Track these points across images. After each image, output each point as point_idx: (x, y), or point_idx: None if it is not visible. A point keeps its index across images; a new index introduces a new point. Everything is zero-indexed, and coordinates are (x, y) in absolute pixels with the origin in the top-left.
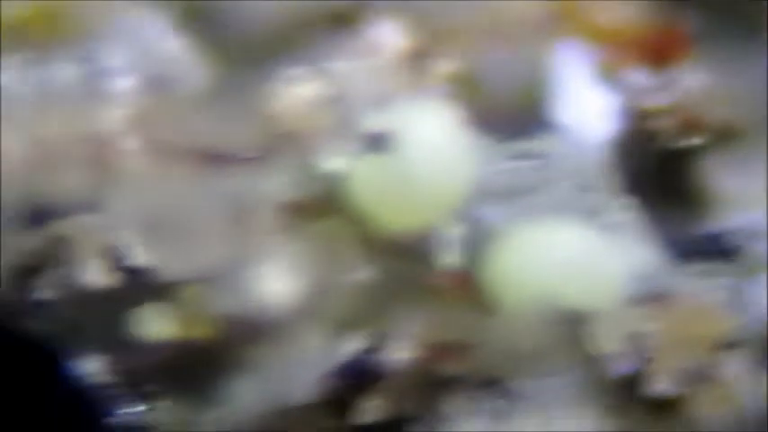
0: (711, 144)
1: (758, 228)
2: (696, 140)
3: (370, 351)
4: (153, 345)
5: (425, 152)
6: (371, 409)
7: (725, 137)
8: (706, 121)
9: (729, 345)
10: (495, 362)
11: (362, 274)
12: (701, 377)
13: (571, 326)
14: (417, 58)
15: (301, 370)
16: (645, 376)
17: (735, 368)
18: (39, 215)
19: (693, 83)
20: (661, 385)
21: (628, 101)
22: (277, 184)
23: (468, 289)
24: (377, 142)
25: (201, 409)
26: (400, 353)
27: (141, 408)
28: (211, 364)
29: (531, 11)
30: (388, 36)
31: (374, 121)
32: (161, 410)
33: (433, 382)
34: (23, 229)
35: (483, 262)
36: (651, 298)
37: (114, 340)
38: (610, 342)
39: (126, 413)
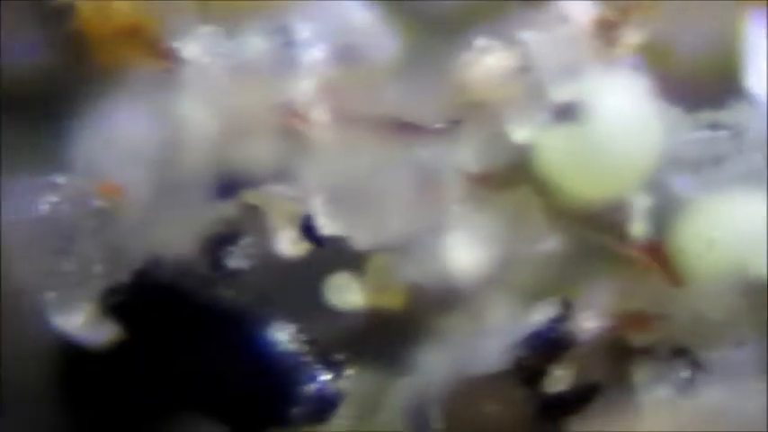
0: None
1: None
2: None
3: (558, 320)
4: (343, 314)
5: (615, 122)
6: (560, 378)
7: None
8: None
9: None
10: (683, 332)
11: (551, 243)
12: None
13: (759, 296)
14: (607, 28)
15: (490, 339)
16: None
17: None
18: (230, 185)
19: None
20: None
21: None
22: (466, 155)
23: (656, 259)
24: (566, 112)
25: (390, 378)
26: (589, 322)
27: (331, 376)
28: (400, 334)
29: None
30: (579, 6)
31: (564, 92)
32: (350, 379)
33: (622, 352)
34: (216, 199)
35: (672, 232)
36: None
37: (305, 309)
38: None
39: (316, 381)
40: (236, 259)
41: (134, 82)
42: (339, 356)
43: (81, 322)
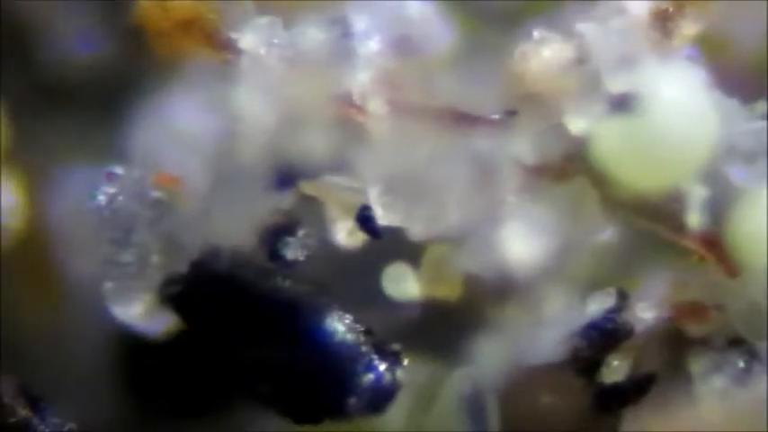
0: None
1: None
2: None
3: (614, 311)
4: (400, 304)
5: (671, 113)
6: (616, 368)
7: None
8: None
9: None
10: (740, 322)
11: (607, 234)
12: None
13: None
14: (664, 20)
15: (546, 330)
16: None
17: None
18: (288, 176)
19: None
20: None
21: None
22: (523, 146)
23: (712, 249)
24: (623, 103)
25: (446, 369)
26: (645, 313)
27: (388, 366)
28: (457, 324)
29: None
30: None
31: (620, 83)
32: (407, 369)
33: (678, 342)
34: (273, 190)
35: (728, 222)
36: None
37: (362, 300)
38: None
39: (373, 371)
40: (294, 250)
41: (192, 73)
42: (396, 347)
43: (139, 312)
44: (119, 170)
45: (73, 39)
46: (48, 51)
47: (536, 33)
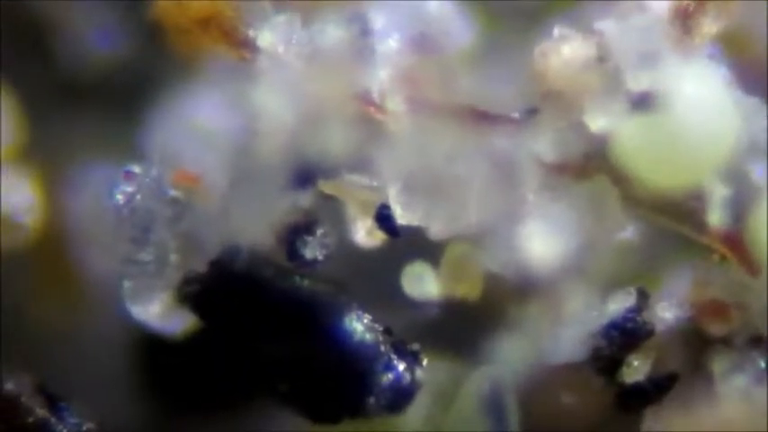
0: None
1: None
2: None
3: (635, 310)
4: (419, 303)
5: (692, 111)
6: (637, 368)
7: None
8: None
9: None
10: (761, 321)
11: (628, 233)
12: None
13: None
14: (685, 18)
15: (567, 329)
16: None
17: None
18: (307, 174)
19: None
20: None
21: None
22: (543, 144)
23: (734, 248)
24: (644, 102)
25: (467, 368)
26: (666, 312)
27: (407, 366)
28: (477, 323)
29: None
30: None
31: (641, 81)
32: (427, 369)
33: (699, 342)
34: (292, 189)
35: (749, 221)
36: None
37: (381, 299)
38: None
39: (393, 371)
40: (313, 249)
41: (211, 71)
42: (415, 347)
43: (157, 311)
44: (137, 169)
45: (91, 36)
46: (66, 49)
47: (556, 31)
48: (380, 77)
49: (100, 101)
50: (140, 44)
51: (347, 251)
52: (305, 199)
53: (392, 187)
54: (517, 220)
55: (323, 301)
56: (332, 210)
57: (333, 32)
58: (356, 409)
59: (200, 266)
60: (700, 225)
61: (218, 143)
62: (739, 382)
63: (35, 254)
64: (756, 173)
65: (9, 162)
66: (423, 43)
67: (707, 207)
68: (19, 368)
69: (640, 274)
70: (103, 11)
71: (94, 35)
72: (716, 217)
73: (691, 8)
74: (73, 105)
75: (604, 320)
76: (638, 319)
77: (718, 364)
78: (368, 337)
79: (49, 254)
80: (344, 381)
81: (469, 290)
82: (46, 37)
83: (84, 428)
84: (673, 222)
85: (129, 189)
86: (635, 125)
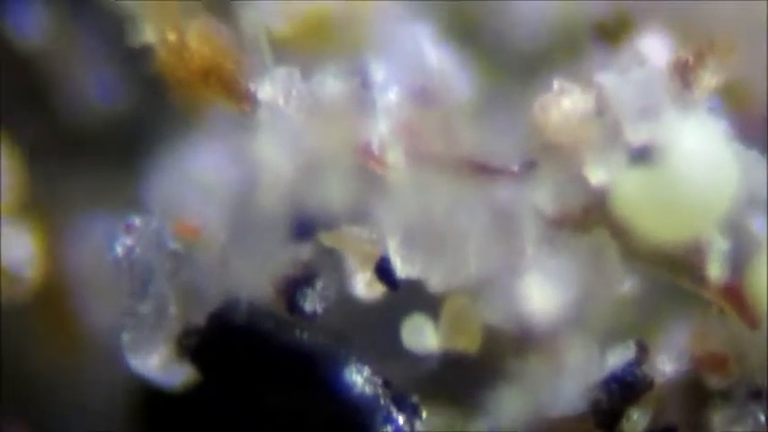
0: None
1: None
2: None
3: (635, 363)
4: (419, 356)
5: (692, 164)
6: (637, 420)
7: None
8: None
9: None
10: (761, 374)
11: (627, 285)
12: None
13: None
14: (684, 71)
15: (566, 382)
16: None
17: None
18: (307, 226)
19: None
20: None
21: None
22: (542, 196)
23: (733, 300)
24: (643, 154)
25: (466, 420)
26: (666, 364)
27: (407, 418)
28: (476, 376)
29: None
30: (656, 49)
31: (641, 134)
32: (426, 421)
33: (699, 394)
34: (292, 241)
35: (749, 273)
36: None
37: (381, 351)
38: None
39: (392, 423)
40: (312, 302)
41: (211, 123)
42: (415, 399)
43: (157, 364)
44: (137, 221)
45: (92, 89)
46: (67, 101)
47: (556, 84)
48: (380, 129)
49: (100, 153)
50: (141, 96)
51: (347, 303)
52: (305, 251)
53: (392, 239)
54: (516, 273)
55: (322, 353)
56: (331, 262)
57: (333, 85)
58: None
59: (200, 319)
60: (699, 278)
61: (218, 195)
62: None
63: (35, 305)
64: (756, 226)
65: (9, 214)
66: (423, 95)
67: (706, 260)
68: (18, 418)
69: (640, 326)
70: (104, 63)
71: (95, 88)
72: (715, 270)
73: (690, 61)
74: (73, 157)
75: (604, 373)
76: (638, 371)
77: (718, 417)
78: (367, 389)
79: (49, 305)
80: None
81: (469, 342)
82: (47, 90)
83: None
84: (672, 275)
85: (129, 242)
86: (634, 178)
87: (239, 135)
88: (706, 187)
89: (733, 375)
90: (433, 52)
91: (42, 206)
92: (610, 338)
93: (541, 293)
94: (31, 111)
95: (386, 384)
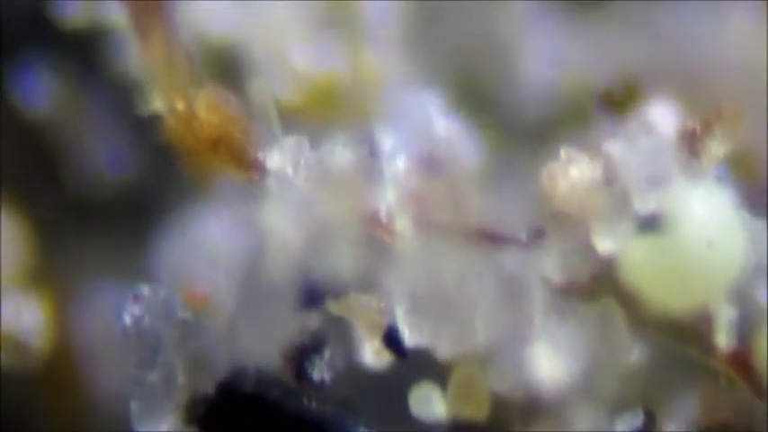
0: None
1: None
2: None
3: (644, 431)
4: (427, 424)
5: (700, 233)
6: None
7: None
8: None
9: None
10: None
11: (635, 354)
12: None
13: None
14: (692, 140)
15: None
16: None
17: None
18: (315, 295)
19: None
20: None
21: None
22: (550, 265)
23: (741, 370)
24: (651, 223)
25: None
26: None
27: None
28: None
29: None
30: (663, 118)
31: (648, 203)
32: None
33: None
34: (300, 309)
35: (757, 343)
36: None
37: (389, 420)
38: None
39: None
40: (320, 370)
41: (220, 192)
42: None
43: None
44: (146, 290)
45: (101, 158)
46: (76, 170)
47: (564, 152)
48: (389, 198)
49: (109, 221)
50: (150, 165)
51: (355, 372)
52: (313, 319)
53: (400, 308)
54: (525, 341)
55: (330, 421)
56: (339, 330)
57: (341, 153)
58: None
59: (208, 387)
60: (707, 347)
61: (226, 263)
62: None
63: (44, 374)
64: (763, 295)
65: (18, 284)
66: (431, 164)
67: (714, 329)
68: None
69: (648, 394)
70: (113, 133)
71: (104, 157)
72: (723, 338)
73: (698, 130)
74: (82, 226)
75: None
76: None
77: None
78: None
79: (58, 374)
80: None
81: (477, 410)
82: (56, 159)
83: None
84: (680, 343)
85: (138, 311)
86: (642, 246)
87: (248, 203)
88: (714, 256)
89: None
90: (440, 121)
91: (51, 275)
92: (618, 406)
93: (549, 361)
94: (40, 180)
95: None
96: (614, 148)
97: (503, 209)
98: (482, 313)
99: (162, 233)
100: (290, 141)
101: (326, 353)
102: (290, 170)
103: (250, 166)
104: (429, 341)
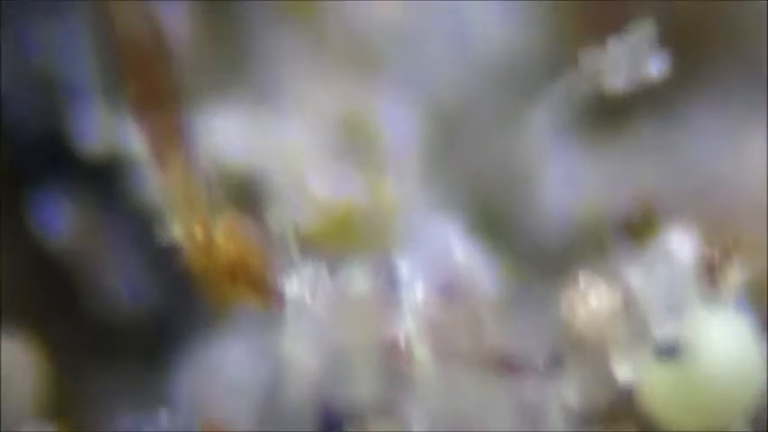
0: None
1: None
2: None
3: None
4: None
5: (718, 360)
6: None
7: None
8: None
9: None
10: None
11: None
12: None
13: None
14: (711, 267)
15: None
16: None
17: None
18: (333, 421)
19: None
20: None
21: None
22: (569, 392)
23: None
24: (670, 351)
25: None
26: None
27: None
28: None
29: None
30: (682, 246)
31: (667, 330)
32: None
33: None
34: None
35: None
36: None
37: None
38: None
39: None
40: None
41: (239, 319)
42: None
43: None
44: (164, 418)
45: (120, 286)
46: (95, 299)
47: (582, 280)
48: (407, 326)
49: (128, 350)
50: (168, 294)
51: None
52: None
53: None
54: None
55: None
56: None
57: (359, 281)
58: None
59: None
60: None
61: (245, 391)
62: None
63: None
64: None
65: (36, 414)
66: (449, 292)
67: None
68: None
69: None
70: (131, 262)
71: (123, 286)
72: None
73: (716, 258)
74: (100, 355)
75: None
76: None
77: None
78: None
79: None
80: None
81: None
82: (74, 288)
83: None
84: None
85: None
86: (661, 373)
87: (266, 331)
88: (732, 382)
89: None
90: (459, 248)
91: (69, 404)
92: None
93: None
94: (57, 309)
95: None
96: (633, 275)
97: (521, 336)
98: None
99: (180, 361)
100: (308, 268)
101: None
102: (308, 297)
103: (268, 295)
104: None
